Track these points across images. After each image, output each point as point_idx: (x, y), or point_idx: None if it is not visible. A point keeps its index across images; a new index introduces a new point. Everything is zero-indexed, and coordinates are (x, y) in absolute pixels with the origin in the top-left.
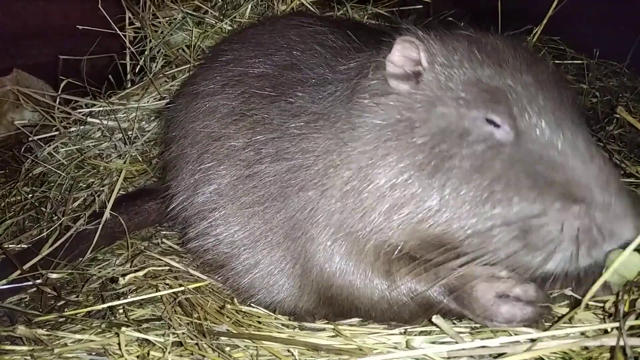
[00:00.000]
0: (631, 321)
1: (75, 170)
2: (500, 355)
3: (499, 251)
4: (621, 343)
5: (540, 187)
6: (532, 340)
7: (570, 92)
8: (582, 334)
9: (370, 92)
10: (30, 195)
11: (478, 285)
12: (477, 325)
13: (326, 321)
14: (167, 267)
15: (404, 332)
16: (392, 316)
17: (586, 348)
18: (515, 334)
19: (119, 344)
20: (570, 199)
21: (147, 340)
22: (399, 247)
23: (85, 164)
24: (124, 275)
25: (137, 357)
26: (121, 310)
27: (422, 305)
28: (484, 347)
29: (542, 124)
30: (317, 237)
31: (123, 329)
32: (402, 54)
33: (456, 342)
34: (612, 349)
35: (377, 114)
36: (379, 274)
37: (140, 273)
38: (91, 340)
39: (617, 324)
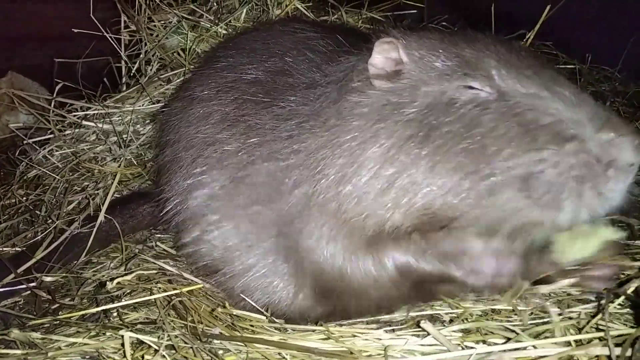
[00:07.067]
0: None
1: (70, 174)
2: None
3: (506, 213)
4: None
5: (532, 133)
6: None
7: (549, 63)
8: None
9: (357, 91)
10: (25, 198)
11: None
12: (467, 330)
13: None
14: (161, 271)
15: (394, 332)
16: (385, 302)
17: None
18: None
19: (122, 344)
20: (563, 138)
21: (141, 342)
22: (398, 229)
23: (80, 167)
24: (112, 279)
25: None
26: (115, 314)
27: (409, 278)
28: (472, 352)
29: (522, 79)
30: (312, 230)
31: (122, 331)
32: (382, 56)
33: (445, 347)
34: None
35: (364, 104)
36: (369, 257)
37: (129, 277)
38: (85, 344)
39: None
